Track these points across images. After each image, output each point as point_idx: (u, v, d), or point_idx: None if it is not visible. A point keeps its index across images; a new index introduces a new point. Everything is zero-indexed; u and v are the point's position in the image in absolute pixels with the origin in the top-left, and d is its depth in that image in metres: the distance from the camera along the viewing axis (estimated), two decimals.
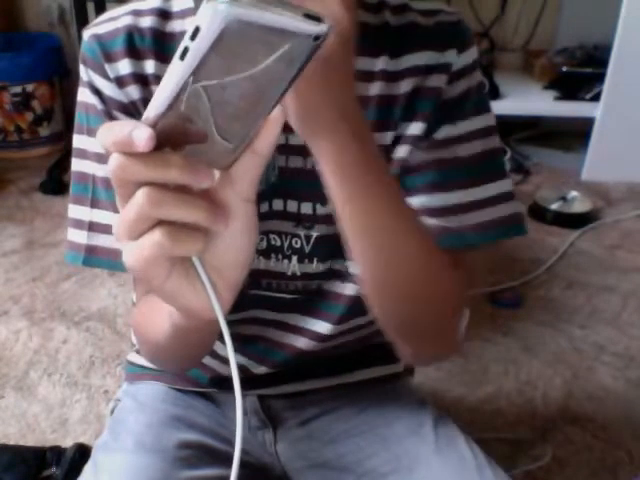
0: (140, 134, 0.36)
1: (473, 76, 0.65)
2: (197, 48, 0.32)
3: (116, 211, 0.66)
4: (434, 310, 0.62)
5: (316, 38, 0.33)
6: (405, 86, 0.63)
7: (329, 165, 0.50)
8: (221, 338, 0.77)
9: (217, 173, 0.40)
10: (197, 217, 0.39)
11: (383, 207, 0.53)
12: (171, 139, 0.37)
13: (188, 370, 0.76)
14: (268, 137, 0.39)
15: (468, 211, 0.65)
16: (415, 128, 0.63)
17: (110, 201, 0.66)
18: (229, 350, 0.41)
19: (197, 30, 0.31)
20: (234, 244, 0.43)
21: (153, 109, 0.36)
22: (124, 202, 0.39)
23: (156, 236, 0.38)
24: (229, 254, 0.43)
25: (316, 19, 0.32)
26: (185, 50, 0.32)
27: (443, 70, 0.63)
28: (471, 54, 0.64)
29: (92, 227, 0.66)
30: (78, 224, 0.67)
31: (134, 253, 0.39)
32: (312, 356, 0.75)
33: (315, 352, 0.74)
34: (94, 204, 0.66)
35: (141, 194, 0.37)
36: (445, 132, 0.63)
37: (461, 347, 1.36)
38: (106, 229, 0.66)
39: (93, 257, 0.67)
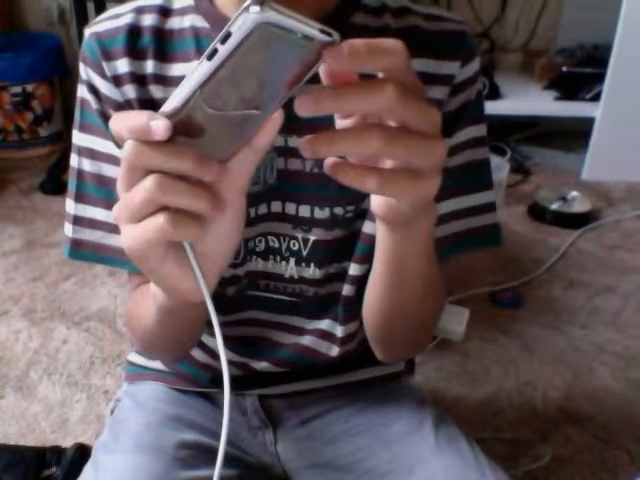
0: (159, 123, 0.38)
1: (473, 88, 0.65)
2: (226, 50, 0.35)
3: (105, 207, 0.66)
4: (419, 327, 0.66)
5: (324, 46, 0.36)
6: None
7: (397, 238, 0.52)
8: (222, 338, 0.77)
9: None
10: (200, 205, 0.40)
11: (420, 257, 0.55)
12: (183, 131, 0.39)
13: (179, 360, 0.76)
14: (267, 135, 0.40)
15: (451, 220, 0.66)
16: None
17: (99, 197, 0.66)
18: (216, 331, 0.44)
19: (228, 35, 0.34)
20: (223, 232, 0.45)
21: (173, 102, 0.38)
22: (129, 186, 0.40)
23: (160, 220, 0.40)
24: (217, 241, 0.45)
25: (328, 34, 0.35)
26: (214, 51, 0.35)
27: (445, 82, 0.63)
28: (473, 67, 0.64)
29: (77, 221, 0.68)
30: (67, 217, 0.69)
31: (136, 235, 0.41)
32: (320, 354, 0.75)
33: (325, 351, 0.75)
34: (79, 198, 0.67)
35: (151, 180, 0.39)
36: None
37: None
38: (91, 224, 0.67)
39: (79, 250, 0.68)
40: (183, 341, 0.66)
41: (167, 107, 0.39)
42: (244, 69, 0.36)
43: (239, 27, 0.34)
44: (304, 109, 0.36)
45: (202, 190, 0.40)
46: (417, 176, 0.40)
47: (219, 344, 0.44)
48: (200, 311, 0.52)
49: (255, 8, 0.33)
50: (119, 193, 0.41)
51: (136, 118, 0.38)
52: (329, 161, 0.39)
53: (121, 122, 0.39)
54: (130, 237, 0.42)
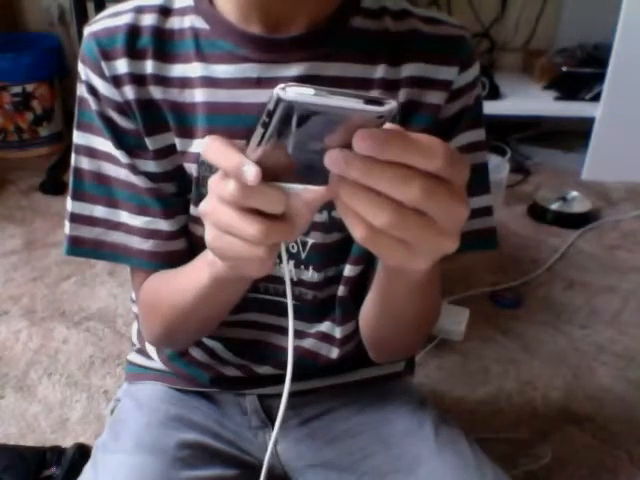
0: (250, 171, 0.38)
1: (472, 94, 0.65)
2: (273, 124, 0.36)
3: (105, 204, 0.66)
4: (413, 331, 0.68)
5: (380, 116, 0.35)
6: (402, 96, 0.63)
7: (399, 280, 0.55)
8: (221, 339, 0.77)
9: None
10: (290, 238, 0.44)
11: (415, 288, 0.56)
12: (271, 168, 0.40)
13: (192, 344, 0.75)
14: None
15: None
16: None
17: (98, 194, 0.66)
18: (289, 304, 0.51)
19: (272, 112, 0.35)
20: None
21: (252, 149, 0.39)
22: (221, 199, 0.42)
23: (258, 252, 0.42)
24: None
25: (378, 103, 0.34)
26: (266, 125, 0.37)
27: (443, 87, 0.63)
28: (472, 73, 0.64)
29: (74, 218, 0.68)
30: (66, 215, 0.69)
31: (226, 242, 0.43)
32: (320, 357, 0.75)
33: (325, 353, 0.75)
34: (76, 196, 0.67)
35: (257, 229, 0.41)
36: None
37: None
38: (90, 221, 0.67)
39: (78, 247, 0.68)
40: (213, 319, 0.66)
41: (251, 148, 0.39)
42: (302, 133, 0.36)
43: (278, 105, 0.34)
44: (333, 165, 0.37)
45: (292, 225, 0.42)
46: (411, 251, 0.39)
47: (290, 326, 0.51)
48: (247, 285, 0.56)
49: (289, 90, 0.34)
50: (209, 189, 0.42)
51: (230, 159, 0.39)
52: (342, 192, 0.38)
53: (216, 155, 0.40)
54: (216, 239, 0.44)
